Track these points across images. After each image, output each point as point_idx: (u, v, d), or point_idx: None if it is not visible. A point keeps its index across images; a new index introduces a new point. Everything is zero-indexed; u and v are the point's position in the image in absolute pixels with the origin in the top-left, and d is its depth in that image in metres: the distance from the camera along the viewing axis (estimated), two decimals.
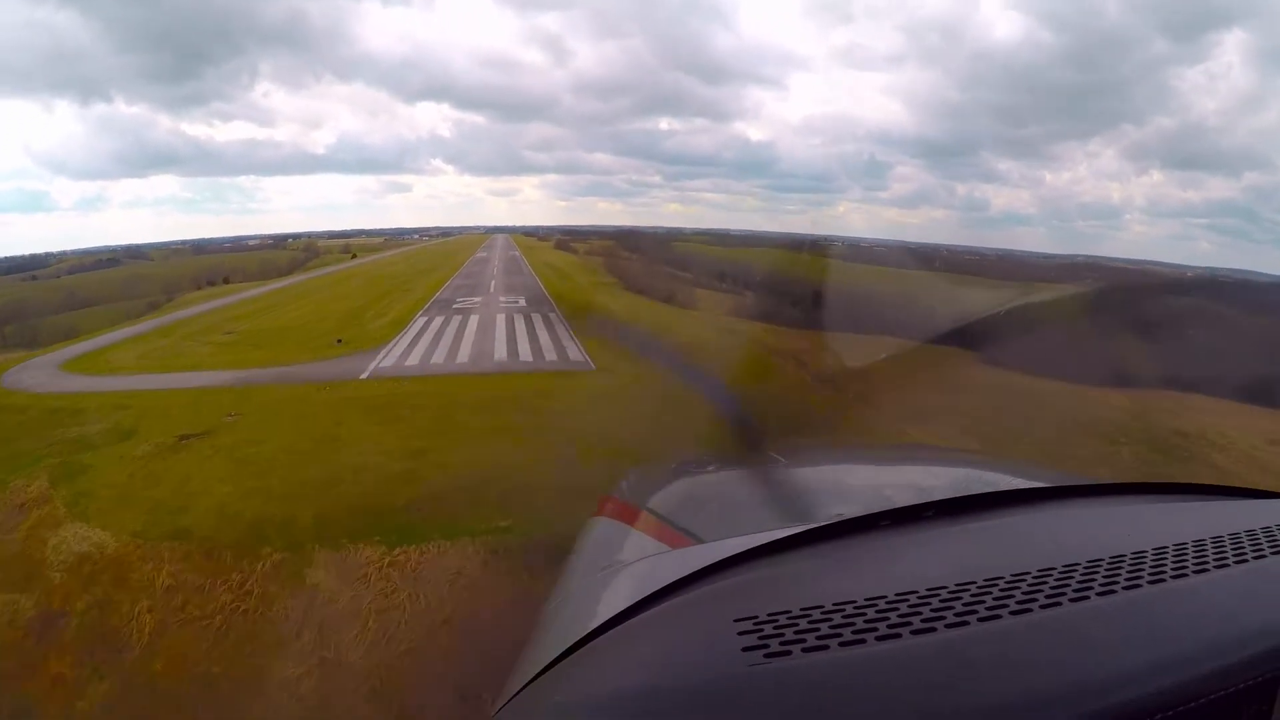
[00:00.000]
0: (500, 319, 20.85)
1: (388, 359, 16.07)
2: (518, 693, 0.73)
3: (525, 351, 16.58)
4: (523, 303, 24.37)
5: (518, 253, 60.50)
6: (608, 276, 36.58)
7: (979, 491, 1.10)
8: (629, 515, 1.41)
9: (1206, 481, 1.16)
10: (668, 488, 1.71)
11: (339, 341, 18.16)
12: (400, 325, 20.34)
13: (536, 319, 20.99)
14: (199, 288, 40.20)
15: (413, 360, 15.91)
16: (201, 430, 10.41)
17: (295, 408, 12.59)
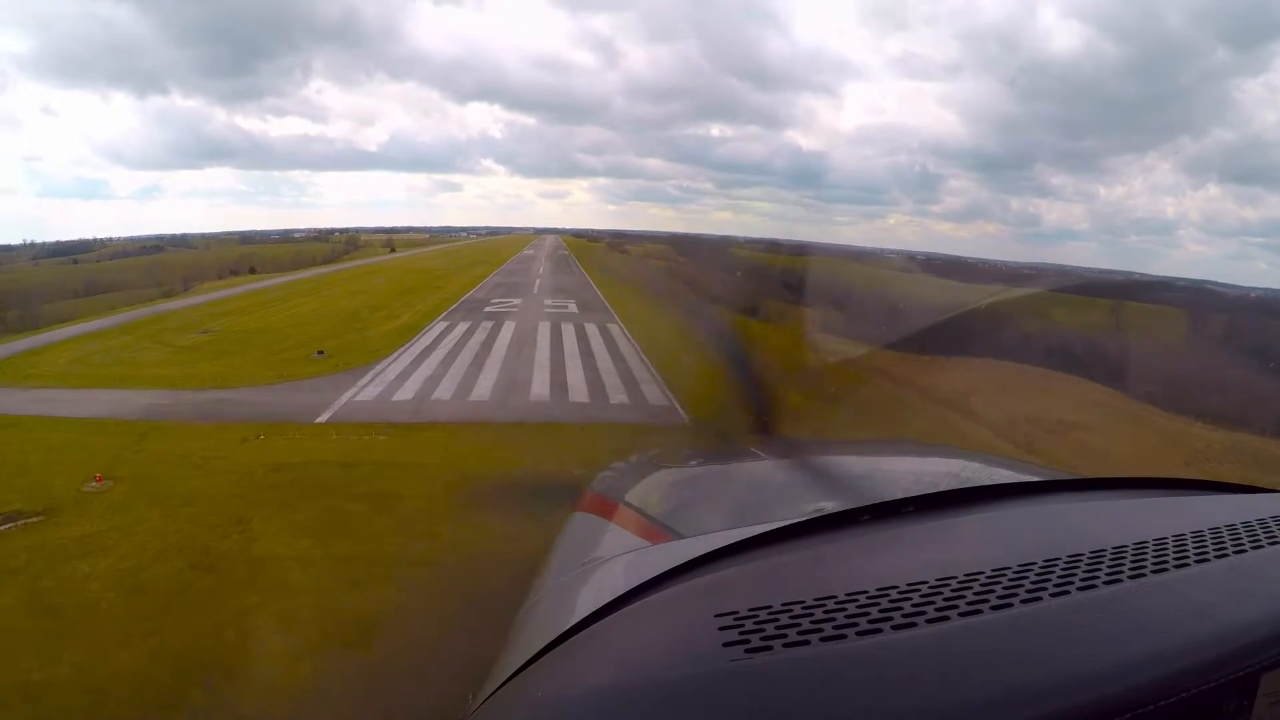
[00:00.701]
0: (544, 329, 15.46)
1: (371, 387, 10.72)
2: (497, 689, 0.71)
3: (578, 384, 10.94)
4: (573, 308, 19.01)
5: (567, 252, 56.26)
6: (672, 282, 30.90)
7: (961, 486, 1.12)
8: (609, 510, 1.39)
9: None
10: (648, 483, 1.66)
11: (319, 354, 12.99)
12: (411, 332, 15.12)
13: (591, 330, 15.46)
14: (220, 277, 37.60)
15: (405, 392, 10.49)
16: (39, 508, 6.81)
17: (195, 477, 7.62)
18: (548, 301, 20.35)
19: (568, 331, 15.34)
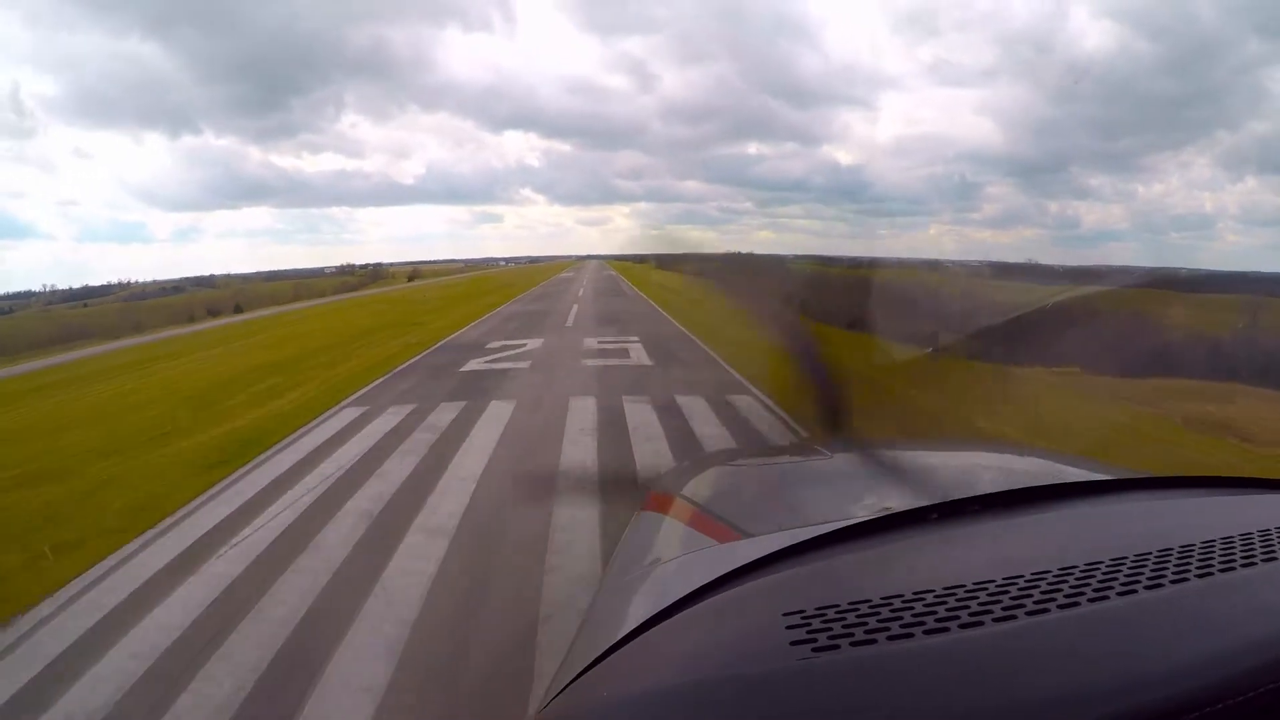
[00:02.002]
0: (582, 412, 6.30)
1: None
2: (563, 689, 0.70)
3: None
4: (639, 355, 9.72)
5: (613, 272, 47.85)
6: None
7: (1025, 485, 1.06)
8: (674, 509, 1.37)
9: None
10: (712, 481, 1.67)
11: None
12: (269, 440, 6.12)
13: (697, 410, 6.12)
14: (197, 318, 32.52)
15: None
16: None
17: None
18: (592, 343, 11.03)
19: (638, 418, 6.05)
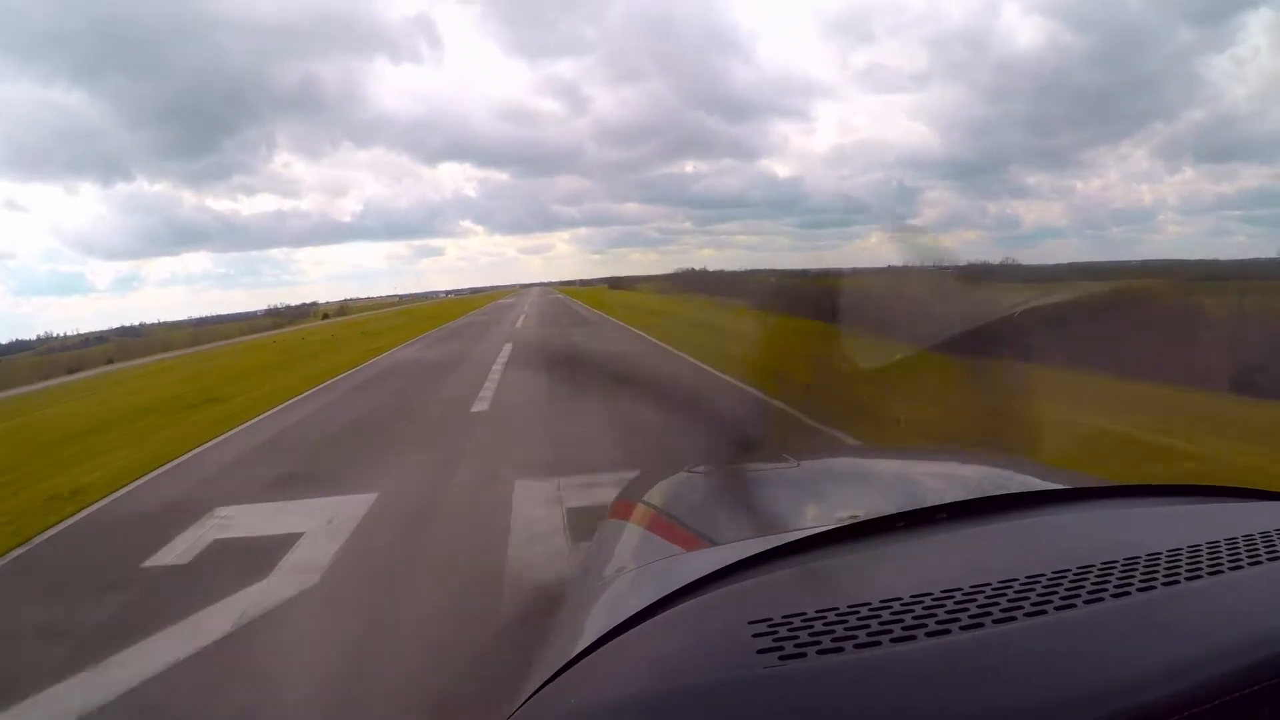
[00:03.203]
0: None
1: None
2: (530, 696, 0.69)
3: None
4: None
5: (560, 295, 41.48)
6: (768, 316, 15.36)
7: (993, 493, 1.10)
8: (641, 517, 1.34)
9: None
10: (681, 489, 1.61)
11: None
12: None
13: None
14: (45, 377, 26.18)
15: None
16: None
17: None
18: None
19: None
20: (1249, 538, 0.85)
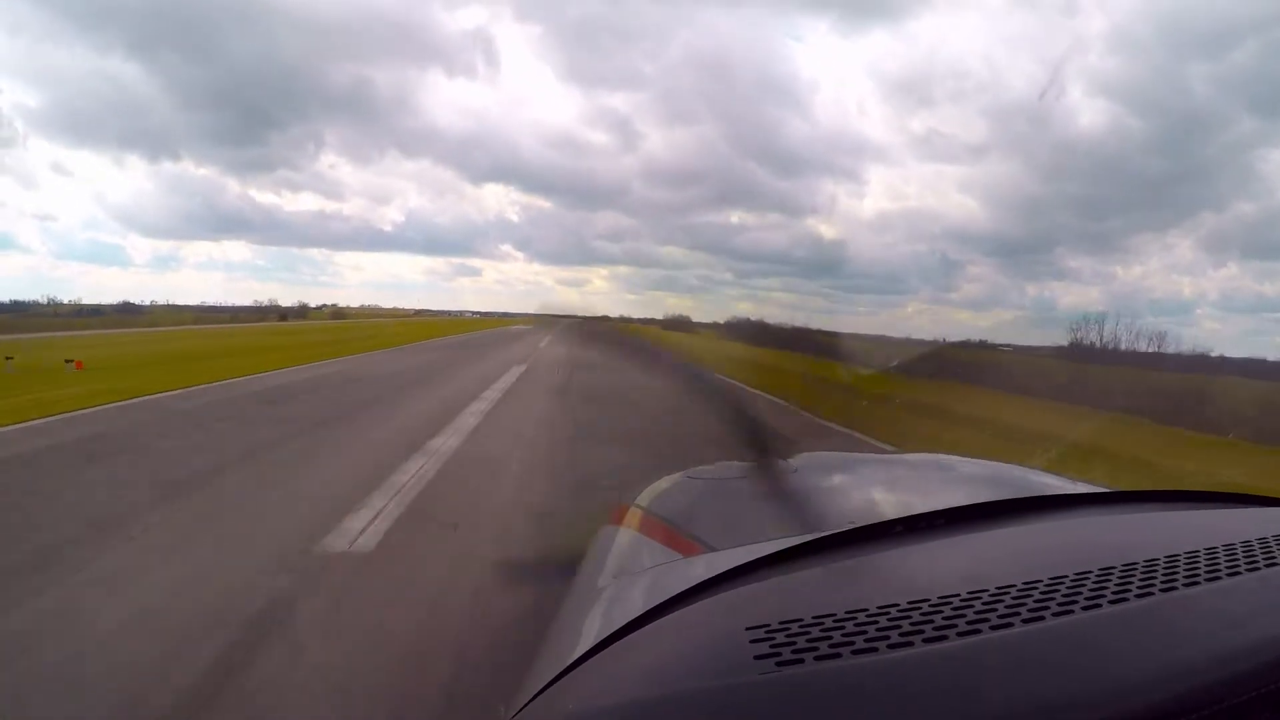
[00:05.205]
0: None
1: None
2: (527, 704, 0.70)
3: None
4: None
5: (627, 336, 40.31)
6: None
7: (990, 499, 1.12)
8: (639, 523, 1.38)
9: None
10: (677, 495, 1.64)
11: None
12: None
13: None
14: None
15: None
16: None
17: None
18: None
19: None
20: (1248, 544, 0.85)
